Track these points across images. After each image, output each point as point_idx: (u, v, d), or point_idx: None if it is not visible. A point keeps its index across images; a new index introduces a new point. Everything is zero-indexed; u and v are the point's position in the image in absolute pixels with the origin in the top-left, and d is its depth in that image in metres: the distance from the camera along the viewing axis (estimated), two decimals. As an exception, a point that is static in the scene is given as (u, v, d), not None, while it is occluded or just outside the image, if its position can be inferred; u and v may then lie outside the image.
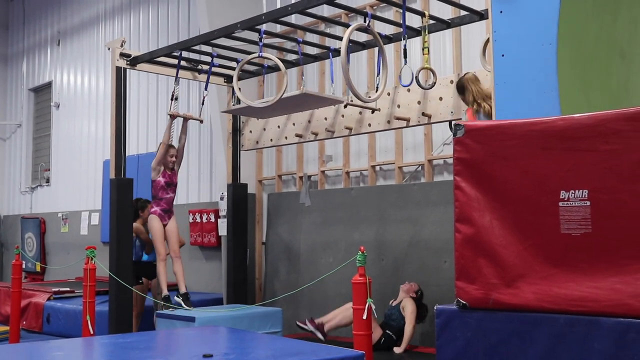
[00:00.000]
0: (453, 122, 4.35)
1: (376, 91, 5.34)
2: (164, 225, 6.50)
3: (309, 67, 7.71)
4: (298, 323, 6.20)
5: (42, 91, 13.31)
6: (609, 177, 3.15)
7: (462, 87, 5.13)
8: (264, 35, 5.69)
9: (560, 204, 3.25)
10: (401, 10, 5.20)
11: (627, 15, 4.48)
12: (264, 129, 7.28)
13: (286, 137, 7.08)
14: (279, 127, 7.13)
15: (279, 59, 6.02)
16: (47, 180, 12.78)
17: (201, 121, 7.03)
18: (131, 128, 9.40)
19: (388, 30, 6.17)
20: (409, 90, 5.87)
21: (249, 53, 6.02)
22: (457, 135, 3.61)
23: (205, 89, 6.56)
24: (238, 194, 7.43)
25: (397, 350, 5.75)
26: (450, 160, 6.00)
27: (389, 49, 6.34)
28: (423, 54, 5.22)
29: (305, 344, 4.44)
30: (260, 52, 5.58)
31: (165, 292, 6.37)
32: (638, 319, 2.96)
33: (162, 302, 6.47)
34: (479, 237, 3.46)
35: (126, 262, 6.36)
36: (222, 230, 7.98)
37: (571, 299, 3.17)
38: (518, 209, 3.40)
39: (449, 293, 4.46)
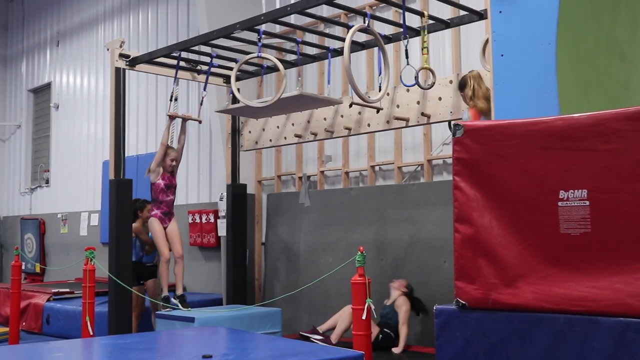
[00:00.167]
0: (452, 122, 4.35)
1: (379, 90, 5.33)
2: (165, 228, 6.48)
3: (308, 68, 7.71)
4: (302, 333, 6.22)
5: (42, 92, 13.31)
6: (608, 176, 3.15)
7: (464, 83, 5.12)
8: (263, 36, 5.69)
9: (560, 203, 3.25)
10: (400, 11, 5.20)
11: (627, 15, 4.48)
12: (263, 130, 7.28)
13: (285, 138, 7.08)
14: (278, 127, 7.13)
15: (278, 59, 6.02)
16: (47, 181, 12.78)
17: (200, 122, 7.02)
18: (130, 129, 9.40)
19: (387, 30, 6.17)
20: (408, 90, 5.87)
21: (249, 53, 6.02)
22: (456, 135, 3.61)
23: (204, 89, 6.56)
24: (237, 194, 7.43)
25: (396, 350, 5.75)
26: (450, 160, 6.01)
27: (388, 49, 6.33)
28: (422, 54, 5.22)
29: (304, 344, 4.45)
30: (259, 52, 5.58)
31: (165, 292, 6.37)
32: (637, 319, 2.97)
33: (160, 303, 6.47)
34: (479, 237, 3.46)
35: (126, 263, 6.35)
36: (222, 230, 7.98)
37: (571, 299, 3.17)
38: (517, 208, 3.40)
39: (448, 293, 4.46)
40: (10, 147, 13.93)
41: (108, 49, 6.76)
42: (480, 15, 5.24)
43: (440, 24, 5.55)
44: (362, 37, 6.17)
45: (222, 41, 6.22)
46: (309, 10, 5.42)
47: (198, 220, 8.89)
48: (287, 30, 7.50)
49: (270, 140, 7.23)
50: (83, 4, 12.02)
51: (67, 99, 12.39)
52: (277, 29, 7.30)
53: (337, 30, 7.22)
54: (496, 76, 4.05)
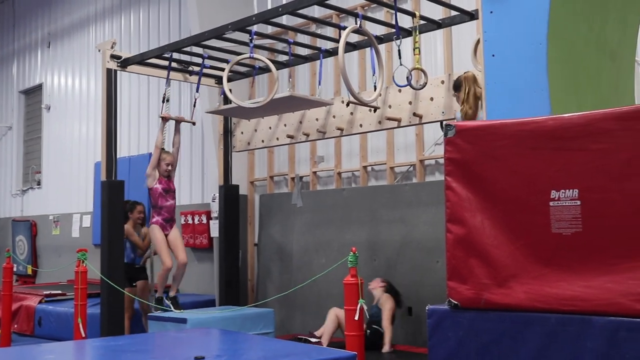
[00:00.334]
0: (444, 123, 4.36)
1: (374, 90, 5.33)
2: (166, 235, 6.43)
3: (300, 68, 7.71)
4: (300, 336, 6.23)
5: (33, 93, 13.25)
6: (599, 176, 3.16)
7: (458, 84, 5.12)
8: (254, 36, 5.68)
9: (551, 203, 3.26)
10: (392, 11, 5.20)
11: (617, 16, 4.50)
12: (255, 130, 7.27)
13: (277, 138, 7.08)
14: (270, 128, 7.12)
15: (269, 59, 6.01)
16: (38, 183, 12.73)
17: (194, 124, 7.00)
18: (122, 130, 9.38)
19: (379, 30, 6.17)
20: (400, 90, 5.87)
21: (241, 54, 6.01)
22: (448, 135, 3.61)
23: (197, 90, 6.54)
24: (230, 195, 7.41)
25: (384, 349, 5.75)
26: (442, 161, 6.01)
27: (380, 49, 6.33)
28: (414, 55, 5.22)
29: (297, 345, 4.44)
30: (251, 53, 5.57)
31: (160, 293, 6.35)
32: (629, 318, 2.97)
33: (151, 304, 6.45)
34: (471, 237, 3.47)
35: (118, 265, 6.34)
36: (214, 231, 7.96)
37: (562, 299, 3.17)
38: (509, 208, 3.40)
39: (441, 293, 4.46)
40: (1, 149, 13.86)
41: (99, 50, 6.73)
42: (472, 16, 5.25)
43: (432, 25, 5.56)
44: (354, 38, 6.17)
45: (213, 42, 6.21)
46: (300, 11, 5.41)
47: (190, 222, 8.88)
48: (279, 31, 7.50)
49: (263, 141, 7.22)
50: (74, 5, 11.98)
51: (59, 100, 12.35)
52: (269, 29, 7.29)
53: (329, 31, 7.22)
54: (487, 76, 4.06)
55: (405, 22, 5.68)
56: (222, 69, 6.84)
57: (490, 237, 3.41)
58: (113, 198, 6.42)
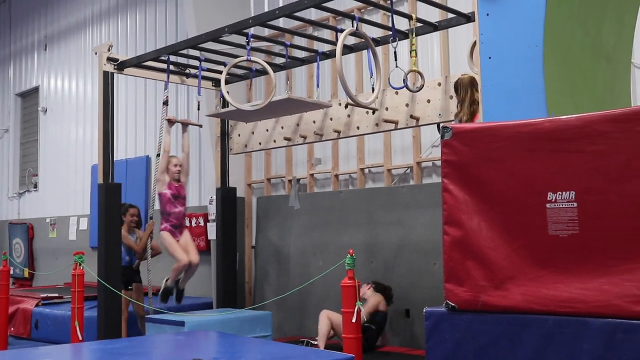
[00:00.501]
0: (441, 125, 4.35)
1: (372, 92, 5.33)
2: (177, 242, 6.39)
3: (297, 71, 7.71)
4: (302, 339, 6.23)
5: (29, 96, 13.24)
6: (595, 178, 3.16)
7: (455, 88, 5.07)
8: (251, 39, 5.68)
9: (548, 205, 3.26)
10: (388, 14, 5.21)
11: (613, 18, 4.51)
12: (253, 133, 7.27)
13: (275, 141, 7.08)
14: (267, 130, 7.12)
15: (266, 62, 6.01)
16: (35, 186, 12.71)
17: (200, 126, 6.99)
18: (119, 132, 9.37)
19: (375, 33, 6.18)
20: (397, 93, 5.88)
21: (238, 57, 6.01)
22: (444, 137, 3.61)
23: (199, 93, 6.53)
24: (227, 197, 7.41)
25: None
26: (439, 163, 6.01)
27: (377, 51, 6.34)
28: (411, 57, 5.23)
29: (294, 347, 4.44)
30: (248, 55, 5.57)
31: (171, 282, 6.37)
32: (626, 320, 2.98)
33: (151, 307, 6.45)
34: (468, 239, 3.47)
35: (115, 267, 6.33)
36: (212, 234, 7.96)
37: (559, 300, 3.18)
38: (506, 210, 3.41)
39: (438, 295, 4.46)
40: (-2, 152, 13.85)
41: (96, 53, 6.73)
42: (468, 18, 5.26)
43: (429, 27, 5.57)
44: (351, 40, 6.17)
45: (210, 44, 6.21)
46: (297, 14, 5.42)
47: (188, 224, 8.85)
48: (276, 34, 7.51)
49: (260, 143, 7.23)
50: (70, 7, 11.97)
51: (55, 103, 12.33)
52: (266, 32, 7.29)
53: (326, 34, 7.23)
54: (484, 78, 4.06)
55: (402, 24, 5.69)
56: (219, 72, 6.85)
57: (487, 239, 3.41)
58: (110, 201, 6.41)
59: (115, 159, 6.61)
